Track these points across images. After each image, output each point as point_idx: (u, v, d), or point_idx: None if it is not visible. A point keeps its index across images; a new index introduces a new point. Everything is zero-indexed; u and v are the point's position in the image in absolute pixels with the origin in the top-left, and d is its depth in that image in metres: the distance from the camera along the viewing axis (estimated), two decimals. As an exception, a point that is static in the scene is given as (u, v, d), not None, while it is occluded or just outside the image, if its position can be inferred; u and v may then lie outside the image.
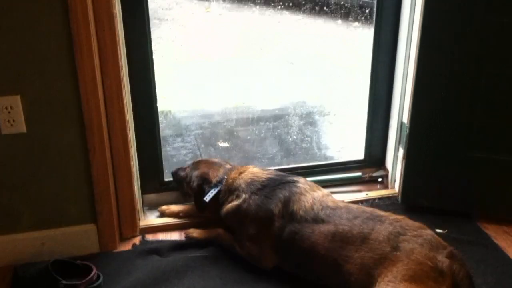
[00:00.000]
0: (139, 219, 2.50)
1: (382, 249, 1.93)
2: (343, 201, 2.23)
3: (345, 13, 3.47)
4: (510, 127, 2.42)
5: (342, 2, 3.43)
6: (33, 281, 2.10)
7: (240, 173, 2.38)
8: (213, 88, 3.61)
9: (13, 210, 2.21)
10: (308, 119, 3.53)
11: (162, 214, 2.60)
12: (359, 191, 2.84)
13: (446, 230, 2.45)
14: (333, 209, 2.13)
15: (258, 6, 3.52)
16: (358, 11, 3.40)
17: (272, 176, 2.31)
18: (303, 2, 3.53)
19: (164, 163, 2.69)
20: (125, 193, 2.35)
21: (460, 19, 2.30)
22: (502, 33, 2.29)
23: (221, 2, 3.56)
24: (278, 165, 2.96)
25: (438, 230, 2.38)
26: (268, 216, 2.18)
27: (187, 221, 2.55)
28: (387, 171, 2.89)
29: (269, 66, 3.76)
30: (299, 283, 2.15)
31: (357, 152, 2.98)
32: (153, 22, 2.47)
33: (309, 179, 2.40)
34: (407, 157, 2.61)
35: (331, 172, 2.91)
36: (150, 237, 2.46)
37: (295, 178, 2.29)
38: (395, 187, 2.82)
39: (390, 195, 2.78)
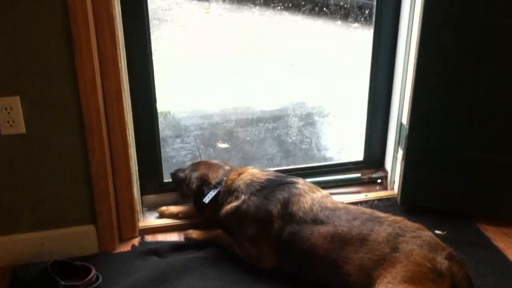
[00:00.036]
0: (139, 220, 2.50)
1: (381, 250, 1.93)
2: (342, 202, 2.23)
3: (345, 14, 3.47)
4: (510, 128, 2.42)
5: (341, 3, 3.44)
6: (32, 282, 2.10)
7: (239, 174, 2.38)
8: (212, 89, 3.61)
9: (12, 211, 2.21)
10: (308, 120, 3.53)
11: (162, 215, 2.60)
12: (358, 192, 2.84)
13: (445, 232, 2.45)
14: (332, 210, 2.13)
15: (257, 7, 3.52)
16: (358, 12, 3.41)
17: (271, 177, 2.31)
18: (303, 3, 3.54)
19: (164, 164, 2.69)
20: (125, 194, 2.35)
21: (460, 19, 2.30)
22: (502, 34, 2.29)
23: (221, 2, 3.56)
24: (278, 166, 2.96)
25: (437, 232, 2.38)
26: (268, 217, 2.18)
27: (187, 222, 2.55)
28: (387, 172, 2.89)
29: (269, 66, 3.77)
30: (299, 283, 2.15)
31: (357, 153, 2.98)
32: (152, 23, 2.47)
33: (308, 180, 2.41)
34: (407, 158, 2.61)
35: (330, 173, 2.91)
36: (149, 238, 2.46)
37: (294, 179, 2.29)
38: (394, 188, 2.82)
39: (389, 196, 2.78)
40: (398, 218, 2.05)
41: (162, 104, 3.00)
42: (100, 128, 2.15)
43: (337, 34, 3.70)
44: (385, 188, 2.87)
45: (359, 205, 2.59)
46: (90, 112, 2.11)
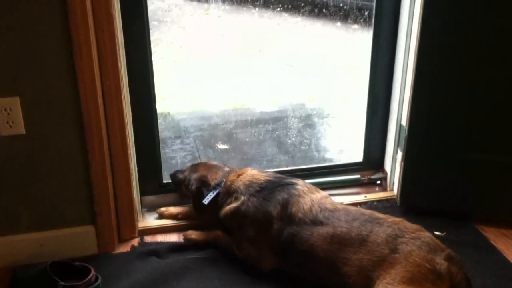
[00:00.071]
0: (138, 221, 2.51)
1: (380, 251, 1.93)
2: (341, 203, 2.23)
3: (344, 15, 3.47)
4: (509, 128, 2.42)
5: (341, 5, 3.44)
6: (31, 283, 2.10)
7: (239, 175, 2.38)
8: (212, 90, 3.61)
9: (12, 212, 2.21)
10: (307, 121, 3.53)
11: (161, 216, 2.60)
12: (358, 193, 2.84)
13: (444, 233, 2.45)
14: (332, 211, 2.13)
15: (257, 8, 3.52)
16: (357, 13, 3.41)
17: (270, 178, 2.31)
18: (302, 4, 3.54)
19: (163, 165, 2.69)
20: (124, 194, 2.35)
21: (459, 21, 2.31)
22: (501, 35, 2.29)
23: (220, 4, 3.56)
24: (277, 167, 2.96)
25: (436, 233, 2.38)
26: (267, 218, 2.18)
27: (186, 223, 2.55)
28: (386, 173, 2.89)
29: (268, 68, 3.77)
30: (298, 284, 2.15)
31: (356, 155, 2.99)
32: (152, 24, 2.47)
33: (308, 181, 2.41)
34: (406, 160, 2.61)
35: (329, 174, 2.91)
36: (148, 238, 2.46)
37: (294, 180, 2.29)
38: (394, 189, 2.82)
39: (389, 198, 2.78)
40: (397, 219, 2.05)
41: (162, 105, 3.01)
42: (99, 129, 2.15)
43: (337, 35, 3.70)
44: (385, 189, 2.88)
45: (359, 206, 2.59)
46: (90, 113, 2.11)
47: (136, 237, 2.46)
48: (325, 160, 3.22)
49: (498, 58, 2.33)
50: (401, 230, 1.97)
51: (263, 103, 3.62)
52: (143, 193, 2.60)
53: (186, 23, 3.59)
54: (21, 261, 2.24)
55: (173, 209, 2.60)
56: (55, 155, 2.16)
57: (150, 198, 2.67)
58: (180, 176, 2.57)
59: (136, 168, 2.47)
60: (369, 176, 2.93)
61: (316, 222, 2.10)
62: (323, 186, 2.65)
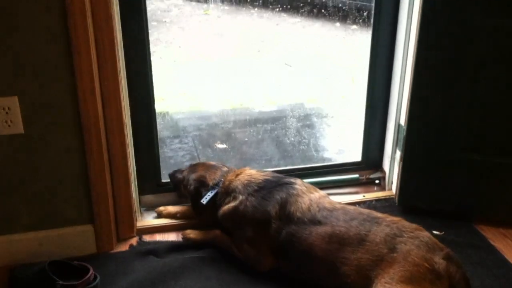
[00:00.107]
0: (136, 220, 2.51)
1: (379, 251, 1.93)
2: (340, 203, 2.23)
3: (343, 16, 3.48)
4: (507, 129, 2.43)
5: (340, 5, 3.44)
6: (30, 282, 2.09)
7: (237, 175, 2.38)
8: (211, 89, 3.62)
9: (10, 211, 2.21)
10: (306, 121, 3.54)
11: (159, 215, 2.60)
12: (357, 193, 2.84)
13: (443, 232, 2.45)
14: (330, 210, 2.13)
15: (256, 9, 3.53)
16: (356, 13, 3.41)
17: (269, 177, 2.31)
18: (301, 4, 3.54)
19: (162, 165, 2.69)
20: (123, 194, 2.35)
21: (458, 22, 2.30)
22: (499, 36, 2.29)
23: (220, 4, 3.56)
24: (276, 167, 2.96)
25: (435, 232, 2.39)
26: (265, 217, 2.18)
27: (184, 222, 2.55)
28: (384, 173, 2.89)
29: (267, 68, 3.77)
30: (297, 284, 2.15)
31: (355, 154, 2.99)
32: (151, 24, 2.47)
33: (306, 180, 2.41)
34: (404, 159, 2.61)
35: (328, 174, 2.91)
36: (147, 238, 2.46)
37: (292, 179, 2.30)
38: (392, 189, 2.82)
39: (387, 197, 2.78)
40: (395, 218, 2.05)
41: (161, 104, 3.01)
42: (98, 128, 2.15)
43: (336, 36, 3.71)
44: (383, 189, 2.88)
45: (357, 205, 2.59)
46: (89, 113, 2.11)
47: (134, 237, 2.46)
48: (323, 159, 3.23)
49: (498, 58, 2.33)
50: (399, 229, 1.97)
51: (262, 103, 3.63)
52: (141, 192, 2.60)
53: (185, 23, 3.60)
54: (20, 260, 2.24)
55: (171, 209, 2.60)
56: (53, 154, 2.16)
57: (148, 198, 2.67)
58: (179, 176, 2.57)
59: (135, 168, 2.47)
60: (367, 176, 2.93)
61: (314, 221, 2.10)
62: (322, 186, 2.65)
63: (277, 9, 3.58)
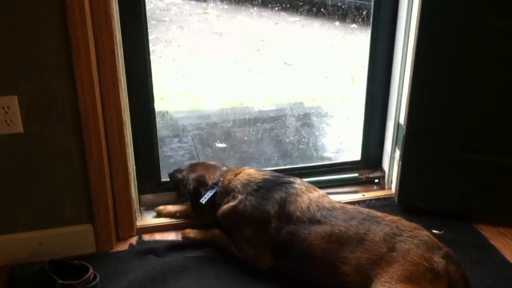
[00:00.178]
0: (136, 219, 2.51)
1: (378, 250, 1.93)
2: (339, 202, 2.23)
3: (343, 15, 3.48)
4: (507, 129, 2.43)
5: (339, 4, 3.44)
6: (30, 281, 2.09)
7: (236, 174, 2.38)
8: (210, 88, 3.62)
9: (10, 210, 2.21)
10: (305, 120, 3.54)
11: (159, 214, 2.60)
12: (356, 192, 2.84)
13: (442, 231, 2.45)
14: (330, 210, 2.13)
15: (255, 8, 3.53)
16: (356, 12, 3.41)
17: (268, 177, 2.31)
18: (300, 3, 3.54)
19: (161, 164, 2.69)
20: (122, 193, 2.35)
21: (457, 21, 2.30)
22: (498, 36, 2.29)
23: (219, 3, 3.56)
24: (275, 166, 2.96)
25: (434, 231, 2.39)
26: (265, 217, 2.18)
27: (184, 221, 2.55)
28: (384, 172, 2.89)
29: (267, 67, 3.77)
30: (296, 283, 2.15)
31: (354, 153, 2.99)
32: (150, 23, 2.47)
33: (306, 180, 2.40)
34: (404, 158, 2.61)
35: (328, 173, 2.91)
36: (147, 237, 2.46)
37: (291, 179, 2.29)
38: (392, 188, 2.82)
39: (387, 196, 2.78)
40: (395, 217, 2.05)
41: (160, 104, 3.01)
42: (97, 128, 2.15)
43: (335, 35, 3.71)
44: (383, 188, 2.88)
45: (357, 204, 2.59)
46: (88, 112, 2.11)
47: (134, 236, 2.46)
48: (323, 158, 3.23)
49: (498, 58, 2.33)
50: (399, 228, 1.97)
51: (262, 102, 3.63)
52: (141, 191, 2.60)
53: (184, 22, 3.60)
54: (20, 260, 2.24)
55: (171, 208, 2.60)
56: (53, 154, 2.16)
57: (148, 197, 2.67)
58: (179, 176, 2.57)
59: (134, 167, 2.47)
60: (367, 175, 2.93)
61: (314, 221, 2.10)
62: (321, 185, 2.65)
63: (276, 8, 3.58)
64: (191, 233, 2.43)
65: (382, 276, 1.88)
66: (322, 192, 2.27)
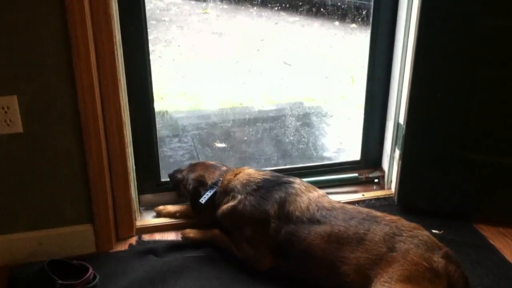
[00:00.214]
0: (136, 219, 2.51)
1: (378, 250, 1.93)
2: (339, 202, 2.23)
3: (342, 15, 3.48)
4: (507, 128, 2.43)
5: (339, 4, 3.44)
6: (29, 281, 2.09)
7: (236, 174, 2.38)
8: (210, 88, 3.62)
9: (9, 210, 2.21)
10: (305, 120, 3.54)
11: (159, 214, 2.60)
12: (356, 192, 2.84)
13: (442, 231, 2.45)
14: (329, 209, 2.13)
15: (255, 7, 3.53)
16: (355, 12, 3.41)
17: (267, 177, 2.31)
18: (300, 3, 3.54)
19: (161, 164, 2.69)
20: (122, 193, 2.35)
21: (457, 20, 2.30)
22: (498, 36, 2.29)
23: (219, 3, 3.56)
24: (275, 166, 2.96)
25: (434, 231, 2.38)
26: (264, 216, 2.18)
27: (184, 221, 2.55)
28: (384, 172, 2.89)
29: (266, 67, 3.77)
30: (296, 283, 2.15)
31: (354, 153, 2.99)
32: (150, 23, 2.47)
33: (305, 180, 2.40)
34: (404, 158, 2.61)
35: (327, 173, 2.91)
36: (146, 237, 2.46)
37: (291, 179, 2.29)
38: (392, 188, 2.82)
39: (387, 196, 2.78)
40: (394, 217, 2.05)
41: (160, 104, 3.01)
42: (97, 128, 2.15)
43: (335, 34, 3.71)
44: (382, 188, 2.88)
45: (356, 204, 2.59)
46: (88, 112, 2.11)
47: (134, 236, 2.46)
48: (323, 158, 3.23)
49: (497, 58, 2.33)
50: (398, 228, 1.97)
51: (262, 102, 3.63)
52: (141, 191, 2.60)
53: (184, 22, 3.60)
54: (19, 260, 2.24)
55: (171, 208, 2.60)
56: (53, 154, 2.16)
57: (148, 197, 2.67)
58: (179, 176, 2.57)
59: (134, 167, 2.47)
60: (367, 175, 2.93)
61: (313, 220, 2.10)
62: (321, 185, 2.65)
63: (276, 8, 3.58)
64: (191, 233, 2.43)
65: (381, 276, 1.88)
66: (321, 192, 2.27)
